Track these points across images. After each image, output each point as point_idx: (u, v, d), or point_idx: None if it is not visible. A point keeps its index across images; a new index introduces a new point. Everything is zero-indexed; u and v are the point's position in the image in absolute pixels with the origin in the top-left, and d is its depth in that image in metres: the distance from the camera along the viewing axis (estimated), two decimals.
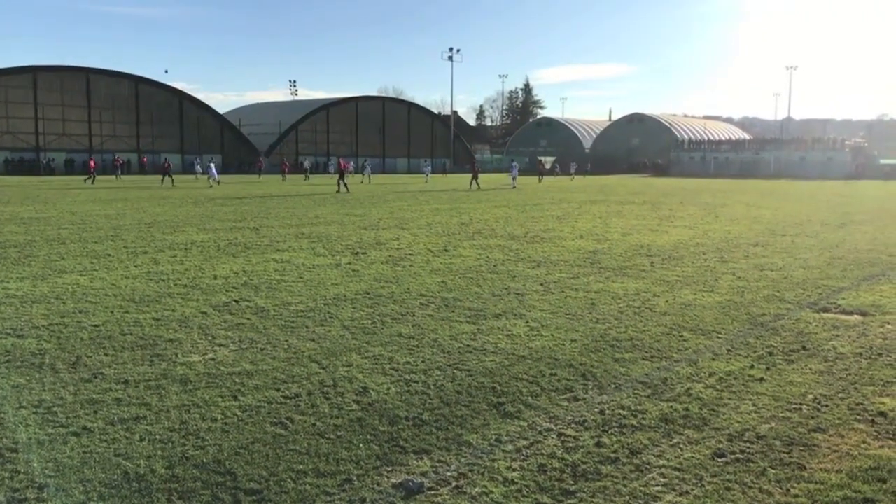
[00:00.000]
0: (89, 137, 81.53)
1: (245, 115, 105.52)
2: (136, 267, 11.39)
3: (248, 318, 7.90)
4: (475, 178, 45.80)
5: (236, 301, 8.83)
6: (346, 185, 37.53)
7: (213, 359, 6.35)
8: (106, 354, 6.43)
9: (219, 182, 44.66)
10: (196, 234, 16.16)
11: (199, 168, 58.60)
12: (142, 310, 8.27)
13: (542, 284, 10.20)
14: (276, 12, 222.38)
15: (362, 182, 53.50)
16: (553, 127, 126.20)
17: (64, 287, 9.59)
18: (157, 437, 4.61)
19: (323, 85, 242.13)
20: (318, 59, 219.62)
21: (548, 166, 51.96)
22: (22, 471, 4.09)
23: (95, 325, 7.48)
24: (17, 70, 77.41)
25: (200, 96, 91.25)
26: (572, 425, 4.90)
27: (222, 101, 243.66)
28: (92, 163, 41.84)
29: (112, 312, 8.12)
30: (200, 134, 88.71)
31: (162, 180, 46.00)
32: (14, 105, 76.74)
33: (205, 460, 4.27)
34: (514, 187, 45.52)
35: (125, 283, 9.92)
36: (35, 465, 4.17)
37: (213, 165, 46.32)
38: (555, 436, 4.72)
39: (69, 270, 10.96)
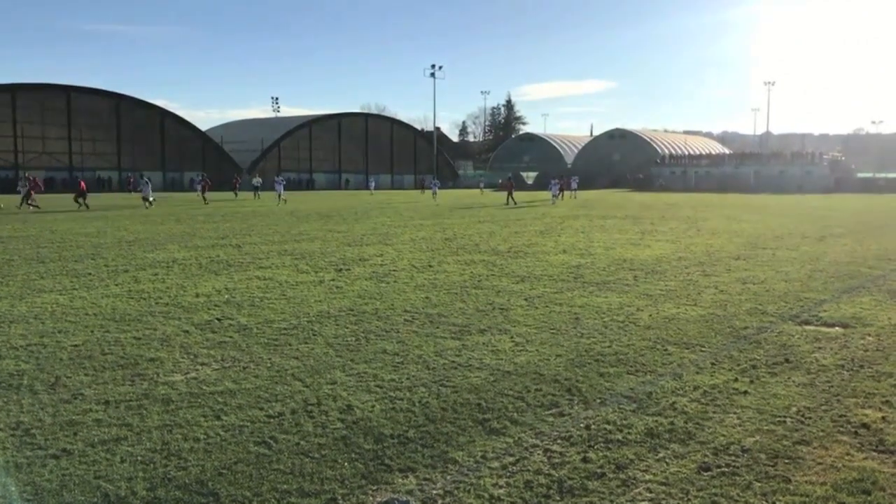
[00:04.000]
0: (69, 155, 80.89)
1: (227, 132, 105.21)
2: (116, 285, 11.27)
3: (230, 337, 7.83)
4: (510, 194, 45.35)
5: (219, 319, 8.75)
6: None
7: (195, 378, 6.28)
8: (86, 374, 6.34)
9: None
10: (178, 252, 16.04)
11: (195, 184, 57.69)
12: (123, 329, 8.18)
13: (526, 299, 10.21)
14: (256, 30, 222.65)
15: (371, 194, 53.55)
16: (535, 142, 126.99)
17: (43, 306, 9.47)
18: (139, 458, 4.54)
19: (305, 102, 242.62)
20: (300, 76, 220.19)
21: (557, 182, 49.32)
22: (0, 495, 4.01)
23: (75, 345, 7.38)
24: None
25: (182, 114, 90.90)
26: (558, 441, 4.88)
27: (204, 118, 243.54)
28: (83, 184, 38.76)
29: (92, 332, 8.01)
30: (182, 151, 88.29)
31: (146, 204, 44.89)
32: None
33: (187, 481, 4.21)
34: (553, 203, 45.10)
35: (105, 302, 9.81)
36: (13, 488, 4.09)
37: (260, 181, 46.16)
38: (541, 452, 4.70)
39: (48, 290, 10.82)
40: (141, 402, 5.59)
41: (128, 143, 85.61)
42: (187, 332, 8.07)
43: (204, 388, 5.99)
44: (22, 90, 77.76)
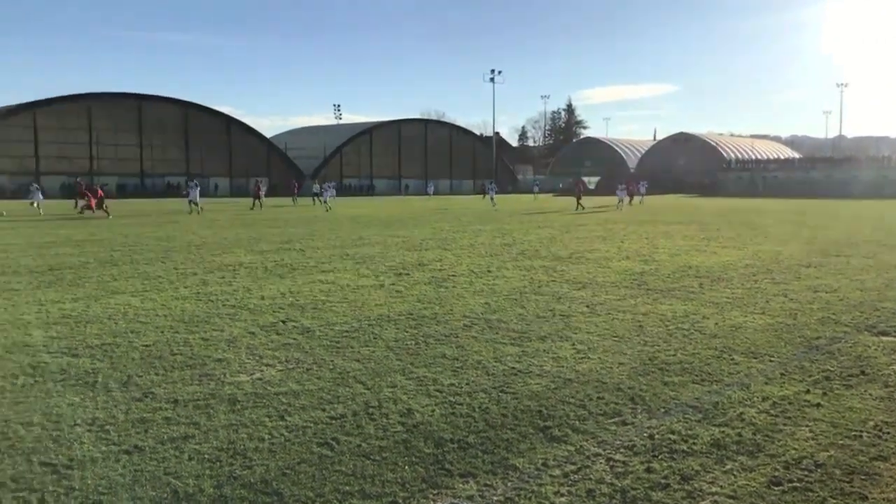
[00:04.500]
0: (140, 162, 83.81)
1: (291, 139, 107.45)
2: (185, 288, 11.60)
3: (294, 339, 7.97)
4: (579, 199, 44.72)
5: (283, 321, 8.92)
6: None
7: (260, 378, 6.41)
8: (156, 374, 6.54)
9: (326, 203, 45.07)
10: (244, 256, 16.43)
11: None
12: (191, 330, 8.41)
13: (587, 306, 10.09)
14: (319, 38, 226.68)
15: (430, 199, 53.65)
16: (597, 147, 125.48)
17: (116, 307, 9.82)
18: (206, 456, 4.65)
19: (366, 109, 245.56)
20: (361, 83, 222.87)
21: (623, 187, 47.44)
22: (77, 487, 4.16)
23: (146, 345, 7.63)
24: (73, 98, 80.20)
25: (247, 121, 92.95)
26: (621, 450, 4.80)
27: (269, 125, 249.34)
28: (101, 191, 39.30)
29: (162, 332, 8.27)
30: (249, 158, 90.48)
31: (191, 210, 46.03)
32: (70, 132, 79.48)
33: (252, 480, 4.30)
34: (618, 208, 44.31)
35: (175, 304, 10.11)
36: (89, 482, 4.24)
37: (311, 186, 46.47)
38: (603, 461, 4.63)
39: (121, 291, 11.21)
40: (208, 402, 5.74)
41: (196, 150, 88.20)
42: (253, 333, 8.25)
43: (268, 388, 6.11)
44: (96, 99, 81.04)
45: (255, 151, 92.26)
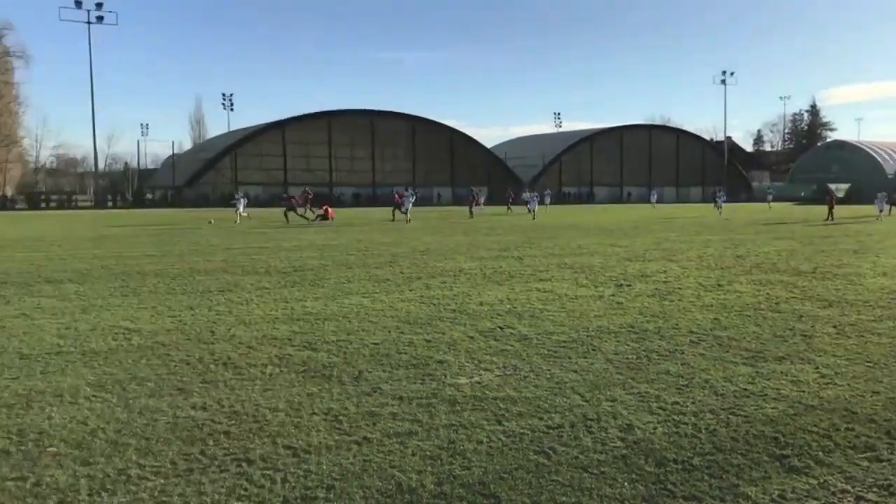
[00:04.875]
0: (372, 174, 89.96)
1: (510, 148, 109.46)
2: (410, 291, 12.21)
3: (511, 345, 8.05)
4: (832, 208, 40.74)
5: (501, 327, 9.05)
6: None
7: (478, 382, 6.54)
8: (384, 371, 6.93)
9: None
10: (464, 262, 16.95)
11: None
12: (415, 331, 8.81)
13: (834, 327, 9.12)
14: (538, 49, 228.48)
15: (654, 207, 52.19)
16: (846, 151, 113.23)
17: (350, 307, 10.56)
18: (427, 453, 4.82)
19: (587, 116, 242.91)
20: (582, 90, 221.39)
21: (885, 196, 41.72)
22: (313, 471, 4.51)
23: (375, 343, 8.11)
24: (316, 115, 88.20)
25: (469, 132, 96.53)
26: (874, 489, 4.25)
27: (489, 135, 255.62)
28: (292, 199, 41.22)
29: (389, 332, 8.75)
30: (470, 168, 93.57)
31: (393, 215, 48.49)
32: (312, 146, 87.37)
33: (470, 481, 4.38)
34: (878, 219, 39.54)
35: (401, 306, 10.66)
36: (324, 467, 4.58)
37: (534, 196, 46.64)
38: (852, 498, 4.13)
39: (354, 292, 12.06)
40: (430, 401, 5.96)
41: (421, 161, 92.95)
42: (472, 337, 8.46)
43: (486, 392, 6.21)
44: (335, 116, 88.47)
45: (476, 161, 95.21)
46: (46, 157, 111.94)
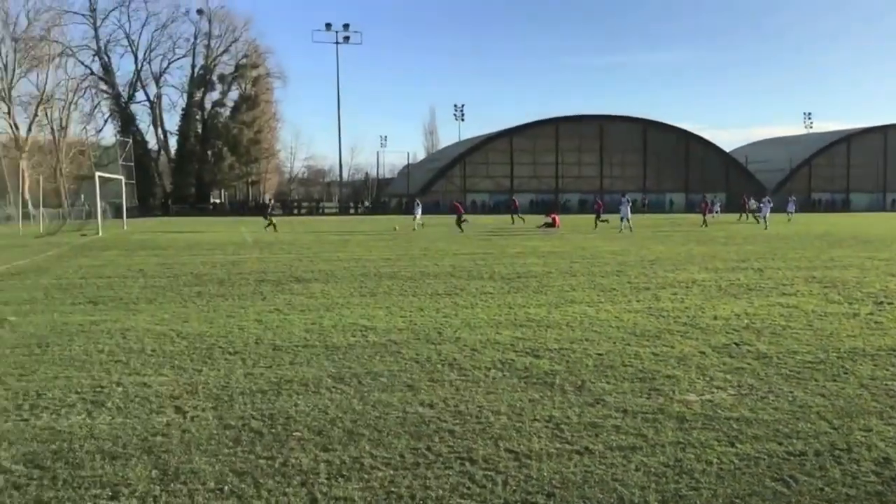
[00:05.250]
0: (600, 179, 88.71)
1: (752, 151, 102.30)
2: (638, 302, 11.83)
3: (748, 363, 7.49)
4: None
5: (736, 344, 8.46)
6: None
7: (709, 400, 6.16)
8: (607, 382, 6.78)
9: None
10: (697, 273, 16.11)
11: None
12: (642, 343, 8.52)
13: None
14: (787, 45, 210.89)
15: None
16: None
17: (573, 316, 10.48)
18: (652, 469, 4.63)
19: (842, 115, 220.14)
20: (838, 87, 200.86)
21: None
22: (534, 477, 4.52)
23: (599, 354, 7.97)
24: (543, 122, 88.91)
25: (706, 135, 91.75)
26: None
27: (728, 138, 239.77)
28: (460, 207, 41.23)
29: (614, 343, 8.54)
30: (705, 172, 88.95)
31: (512, 220, 47.82)
32: (539, 153, 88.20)
33: (698, 502, 4.13)
34: None
35: (627, 317, 10.37)
36: (545, 473, 4.57)
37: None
38: None
39: (578, 301, 11.94)
40: (656, 416, 5.72)
41: (653, 167, 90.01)
42: (703, 353, 8.00)
43: (718, 412, 5.83)
44: (563, 122, 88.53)
45: (713, 165, 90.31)
46: (298, 167, 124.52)
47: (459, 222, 38.33)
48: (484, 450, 4.98)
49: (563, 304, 11.52)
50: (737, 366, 7.38)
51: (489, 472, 4.59)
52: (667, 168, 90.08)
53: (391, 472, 4.61)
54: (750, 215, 51.49)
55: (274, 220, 39.94)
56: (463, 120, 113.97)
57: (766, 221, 40.48)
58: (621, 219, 36.73)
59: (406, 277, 15.40)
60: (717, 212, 54.93)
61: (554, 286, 13.85)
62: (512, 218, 49.13)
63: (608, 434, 5.31)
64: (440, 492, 4.31)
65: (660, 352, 8.05)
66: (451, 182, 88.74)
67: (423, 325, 9.67)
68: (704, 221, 43.34)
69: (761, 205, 43.49)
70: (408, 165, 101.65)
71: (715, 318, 10.24)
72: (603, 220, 39.74)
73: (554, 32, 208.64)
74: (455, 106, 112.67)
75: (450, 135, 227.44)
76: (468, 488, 4.36)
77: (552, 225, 38.95)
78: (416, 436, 5.27)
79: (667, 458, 4.82)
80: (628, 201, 38.12)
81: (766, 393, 6.37)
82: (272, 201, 43.92)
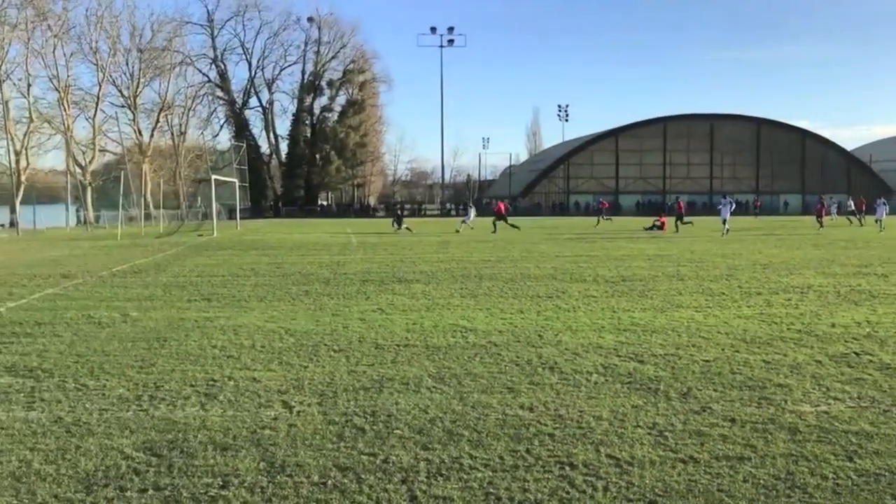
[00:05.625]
0: (710, 180, 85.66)
1: (876, 150, 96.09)
2: (748, 307, 11.36)
3: (869, 374, 7.05)
4: None
5: (856, 353, 7.98)
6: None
7: (825, 412, 5.85)
8: (714, 390, 6.54)
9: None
10: (814, 278, 15.29)
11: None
12: (752, 350, 8.18)
13: None
14: None
15: None
16: None
17: (679, 321, 10.17)
18: (761, 481, 4.44)
19: None
20: None
21: None
22: (636, 484, 4.43)
23: (706, 360, 7.70)
24: (650, 122, 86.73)
25: (826, 133, 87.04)
26: None
27: (850, 137, 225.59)
28: (502, 206, 40.36)
29: (722, 350, 8.24)
30: (824, 173, 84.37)
31: (598, 221, 46.28)
32: (646, 153, 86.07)
33: None
34: None
35: (737, 323, 9.97)
36: (647, 481, 4.47)
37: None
38: None
39: (685, 306, 11.58)
40: (766, 427, 5.48)
41: (766, 167, 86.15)
42: (819, 362, 7.59)
43: (835, 424, 5.52)
44: (671, 121, 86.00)
45: (832, 165, 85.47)
46: (402, 170, 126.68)
47: (497, 221, 38.15)
48: (584, 455, 4.92)
49: (670, 309, 11.21)
50: (856, 376, 6.97)
51: (589, 478, 4.53)
52: (781, 168, 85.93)
53: (490, 473, 4.63)
54: (854, 217, 47.41)
55: (404, 223, 40.79)
56: (567, 120, 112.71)
57: (881, 224, 38.19)
58: (723, 221, 34.84)
59: (506, 279, 15.39)
60: (833, 214, 51.79)
61: (660, 290, 13.49)
62: (598, 219, 48.28)
63: (714, 443, 5.13)
64: (539, 495, 4.29)
65: (771, 360, 7.70)
66: (554, 183, 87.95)
67: (523, 328, 9.64)
68: (820, 223, 40.92)
69: (875, 206, 40.90)
70: (509, 167, 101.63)
71: (833, 325, 9.70)
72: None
73: (663, 27, 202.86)
74: (559, 106, 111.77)
75: (552, 136, 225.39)
76: (567, 493, 4.32)
77: (660, 227, 37.91)
78: (516, 438, 5.26)
79: (777, 471, 4.61)
80: (730, 203, 36.37)
81: (890, 406, 5.99)
82: (401, 206, 44.99)
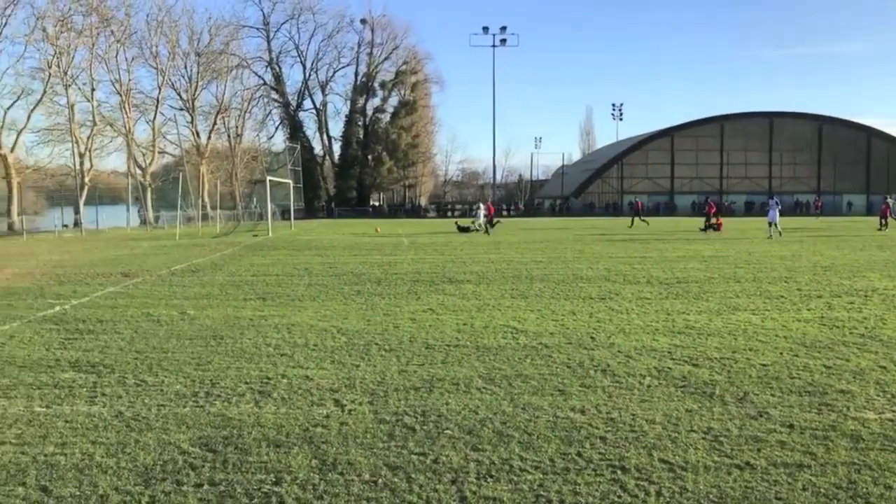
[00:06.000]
0: (769, 180, 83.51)
1: None
2: (808, 311, 11.03)
3: None
4: None
5: None
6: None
7: (890, 419, 5.64)
8: (772, 395, 6.38)
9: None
10: (878, 281, 14.77)
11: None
12: (812, 355, 7.94)
13: None
14: None
15: None
16: None
17: (736, 324, 9.94)
18: (821, 490, 4.31)
19: None
20: None
21: None
22: (689, 489, 4.34)
23: (764, 364, 7.51)
24: (706, 120, 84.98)
25: (893, 131, 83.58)
26: None
27: None
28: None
29: (781, 354, 8.02)
30: (890, 172, 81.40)
31: (631, 222, 44.66)
32: (702, 153, 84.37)
33: None
34: None
35: (796, 326, 9.70)
36: (701, 486, 4.38)
37: None
38: None
39: (742, 308, 11.31)
40: (827, 434, 5.31)
41: (828, 166, 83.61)
42: (884, 368, 7.32)
43: None
44: (729, 120, 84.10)
45: None
46: (453, 170, 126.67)
47: (489, 224, 38.60)
48: (637, 459, 4.85)
49: (726, 312, 10.96)
50: None
51: (642, 482, 4.46)
52: (845, 167, 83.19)
53: (540, 475, 4.60)
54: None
55: (475, 222, 40.98)
56: (621, 119, 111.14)
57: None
58: (769, 223, 33.03)
59: (558, 280, 15.27)
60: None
61: (716, 292, 13.20)
62: (631, 220, 45.23)
63: (772, 449, 5.00)
64: (590, 499, 4.24)
65: (832, 365, 7.47)
66: (608, 183, 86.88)
67: (575, 330, 9.55)
68: (885, 224, 39.25)
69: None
70: (562, 166, 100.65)
71: None
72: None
73: (717, 22, 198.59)
74: (613, 105, 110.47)
75: (606, 135, 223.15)
76: (619, 497, 4.26)
77: (717, 228, 37.05)
78: (567, 441, 5.22)
79: (839, 479, 4.46)
80: (777, 204, 34.86)
81: None
82: (480, 208, 44.46)
